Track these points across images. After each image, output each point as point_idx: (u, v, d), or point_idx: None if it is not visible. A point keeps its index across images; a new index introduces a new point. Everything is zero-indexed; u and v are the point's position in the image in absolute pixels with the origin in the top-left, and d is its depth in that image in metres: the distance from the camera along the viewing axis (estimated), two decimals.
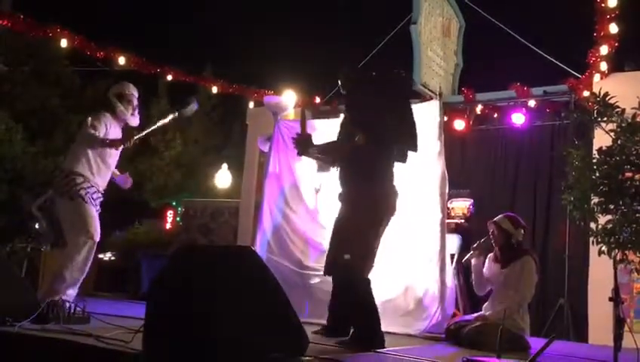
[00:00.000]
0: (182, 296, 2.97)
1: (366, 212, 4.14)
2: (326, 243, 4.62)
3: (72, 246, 4.79)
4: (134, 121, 5.20)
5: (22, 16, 7.99)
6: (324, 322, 4.77)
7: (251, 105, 9.22)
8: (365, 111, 4.27)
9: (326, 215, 5.52)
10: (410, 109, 4.41)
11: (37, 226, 7.84)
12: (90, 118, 4.96)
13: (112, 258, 10.22)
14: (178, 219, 11.56)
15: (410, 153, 4.50)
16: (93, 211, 4.88)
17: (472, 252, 4.99)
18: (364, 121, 4.21)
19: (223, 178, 12.71)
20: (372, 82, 4.51)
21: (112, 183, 5.23)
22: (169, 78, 9.31)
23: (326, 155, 4.58)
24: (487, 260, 4.91)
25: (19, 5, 8.59)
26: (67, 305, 4.10)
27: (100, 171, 5.00)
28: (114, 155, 5.09)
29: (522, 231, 4.83)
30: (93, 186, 4.91)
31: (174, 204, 13.46)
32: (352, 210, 4.22)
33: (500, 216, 4.91)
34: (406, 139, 4.33)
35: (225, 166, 12.72)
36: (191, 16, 17.27)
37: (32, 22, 8.03)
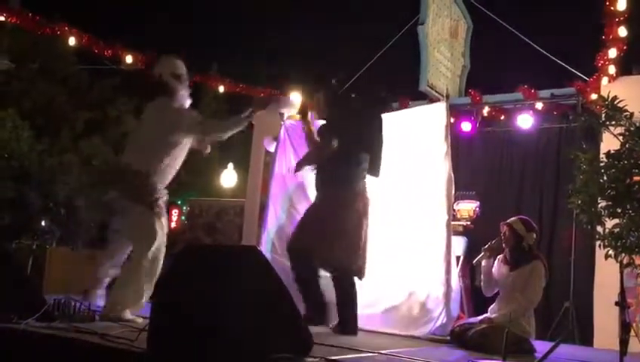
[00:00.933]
0: (186, 295, 2.97)
1: (336, 215, 4.68)
2: None
3: (138, 263, 4.33)
4: (188, 103, 4.67)
5: (30, 14, 8.02)
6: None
7: None
8: (337, 123, 4.93)
9: None
10: (374, 132, 4.90)
11: (43, 224, 7.87)
12: (189, 109, 4.54)
13: None
14: (183, 217, 11.56)
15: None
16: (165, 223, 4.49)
17: (482, 253, 4.97)
18: (335, 132, 4.84)
19: (228, 177, 12.71)
20: (348, 100, 5.11)
21: None
22: None
23: (308, 164, 5.13)
24: (496, 261, 4.89)
25: (27, 3, 8.62)
26: (73, 303, 4.11)
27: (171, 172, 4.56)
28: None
29: (534, 235, 4.80)
30: (164, 195, 4.52)
31: (179, 202, 13.45)
32: (324, 213, 4.78)
33: (513, 217, 4.89)
34: (372, 158, 4.88)
35: (231, 165, 12.72)
36: (198, 15, 17.30)
37: (41, 19, 8.06)
